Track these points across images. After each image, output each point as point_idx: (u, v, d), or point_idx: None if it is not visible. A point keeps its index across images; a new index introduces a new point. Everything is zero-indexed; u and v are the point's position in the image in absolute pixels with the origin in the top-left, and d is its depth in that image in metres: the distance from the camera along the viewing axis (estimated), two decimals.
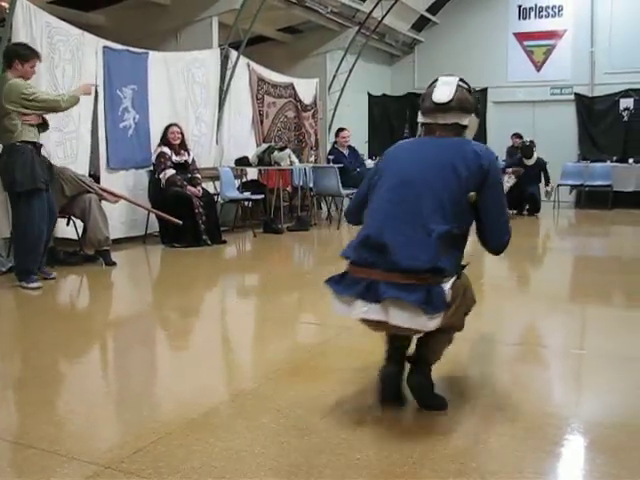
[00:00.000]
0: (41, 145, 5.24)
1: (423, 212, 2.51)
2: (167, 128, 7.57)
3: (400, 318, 2.40)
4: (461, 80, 2.74)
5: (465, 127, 2.71)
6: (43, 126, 5.20)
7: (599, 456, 2.31)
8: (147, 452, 2.29)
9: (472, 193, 2.56)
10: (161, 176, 7.36)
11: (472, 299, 2.69)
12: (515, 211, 10.88)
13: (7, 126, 4.98)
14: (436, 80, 2.75)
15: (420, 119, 2.78)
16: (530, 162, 11.20)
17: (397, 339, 2.70)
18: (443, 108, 2.67)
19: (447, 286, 2.45)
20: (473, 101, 2.75)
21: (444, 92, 2.67)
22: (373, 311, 2.45)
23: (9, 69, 5.06)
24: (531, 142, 11.59)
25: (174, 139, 7.53)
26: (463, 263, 2.62)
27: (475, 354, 3.59)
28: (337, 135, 10.67)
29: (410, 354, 2.73)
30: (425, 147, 2.72)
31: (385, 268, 2.44)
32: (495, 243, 2.73)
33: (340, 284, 2.56)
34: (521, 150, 11.51)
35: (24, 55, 5.06)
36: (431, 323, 2.40)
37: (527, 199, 11.11)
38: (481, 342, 3.85)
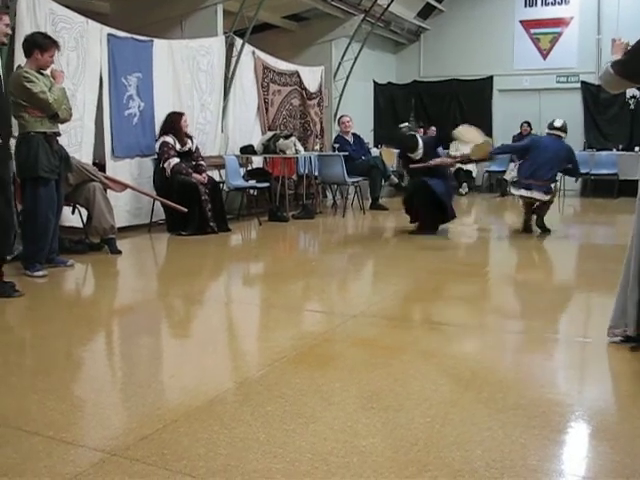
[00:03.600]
0: (55, 134, 5.20)
1: (550, 164, 7.21)
2: (173, 117, 7.56)
3: (537, 195, 7.19)
4: (563, 120, 7.49)
5: (563, 137, 7.43)
6: (55, 117, 5.15)
7: (602, 443, 2.32)
8: (152, 439, 2.31)
9: (569, 165, 7.63)
10: (165, 165, 7.35)
11: (555, 192, 7.69)
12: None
13: (17, 116, 5.03)
14: (554, 120, 7.53)
15: (547, 131, 7.58)
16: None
17: (529, 206, 7.45)
18: (558, 128, 7.43)
19: (552, 186, 7.42)
20: (566, 126, 7.46)
21: (559, 123, 7.44)
22: (528, 193, 7.21)
23: (28, 58, 5.07)
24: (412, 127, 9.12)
25: (185, 127, 7.61)
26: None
27: (479, 342, 3.60)
28: (339, 123, 10.66)
29: (534, 219, 7.57)
30: (551, 141, 7.40)
31: (534, 179, 7.15)
32: (577, 175, 9.31)
33: (516, 184, 7.43)
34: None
35: (43, 44, 5.06)
36: (547, 197, 7.26)
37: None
38: (485, 330, 3.86)
